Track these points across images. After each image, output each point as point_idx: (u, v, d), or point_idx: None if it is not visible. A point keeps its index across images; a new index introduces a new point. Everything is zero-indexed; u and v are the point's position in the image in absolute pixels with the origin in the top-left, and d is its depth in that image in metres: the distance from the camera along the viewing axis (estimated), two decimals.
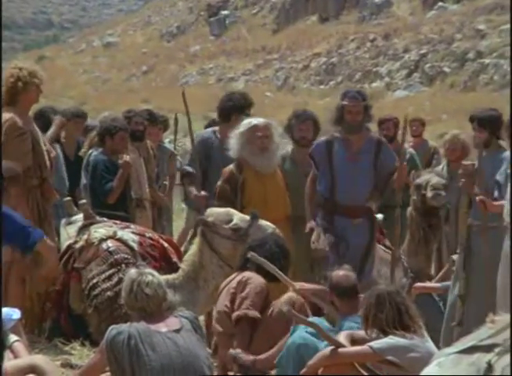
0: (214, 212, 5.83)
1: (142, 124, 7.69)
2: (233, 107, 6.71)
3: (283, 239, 5.52)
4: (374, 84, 27.73)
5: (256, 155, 6.23)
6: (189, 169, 6.70)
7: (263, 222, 5.79)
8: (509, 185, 5.59)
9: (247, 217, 5.76)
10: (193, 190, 6.59)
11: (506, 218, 5.63)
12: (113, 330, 4.15)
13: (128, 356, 4.04)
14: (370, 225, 6.35)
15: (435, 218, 6.48)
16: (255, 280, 5.13)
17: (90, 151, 7.12)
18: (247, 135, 6.23)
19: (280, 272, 5.16)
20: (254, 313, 5.02)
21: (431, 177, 6.78)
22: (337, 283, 5.00)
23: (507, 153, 5.75)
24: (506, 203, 5.66)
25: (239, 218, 5.76)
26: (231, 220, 5.75)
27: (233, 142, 6.25)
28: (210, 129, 6.99)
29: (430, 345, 4.42)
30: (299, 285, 5.21)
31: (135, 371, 4.04)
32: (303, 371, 4.58)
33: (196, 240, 5.88)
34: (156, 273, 4.32)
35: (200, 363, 4.11)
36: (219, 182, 6.24)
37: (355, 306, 4.91)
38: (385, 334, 4.39)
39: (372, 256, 6.32)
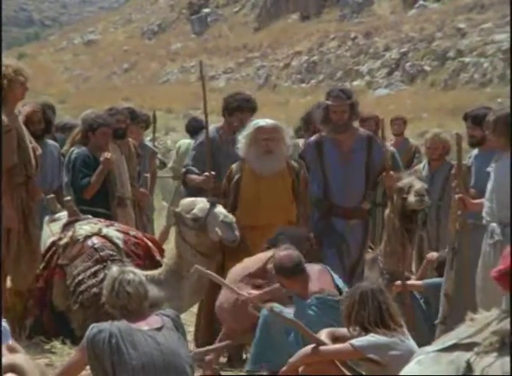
0: (183, 202, 5.93)
1: (124, 122, 7.68)
2: (236, 107, 6.50)
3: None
4: (355, 83, 27.78)
5: (258, 157, 6.03)
6: (195, 170, 6.40)
7: (219, 210, 5.85)
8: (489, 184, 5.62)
9: (207, 206, 5.83)
10: (196, 177, 6.35)
11: (486, 217, 5.67)
12: (94, 328, 4.15)
13: (109, 355, 4.04)
14: (365, 226, 6.29)
15: (413, 223, 6.47)
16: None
17: (72, 149, 7.11)
18: (252, 137, 6.04)
19: (227, 284, 5.15)
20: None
21: (413, 181, 6.73)
22: (281, 264, 5.05)
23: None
24: (485, 201, 5.70)
25: (199, 207, 5.81)
26: (192, 209, 5.83)
27: (241, 142, 6.08)
28: (213, 128, 6.71)
29: (411, 343, 4.45)
30: (247, 293, 5.24)
31: (115, 370, 4.04)
32: (283, 370, 4.59)
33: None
34: (137, 271, 4.31)
35: (181, 362, 4.12)
36: (224, 180, 6.14)
37: (305, 282, 4.99)
38: (366, 331, 4.42)
39: (363, 258, 6.30)
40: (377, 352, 4.34)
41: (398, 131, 9.27)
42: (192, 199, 5.97)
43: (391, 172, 6.22)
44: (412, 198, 6.64)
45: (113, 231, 6.13)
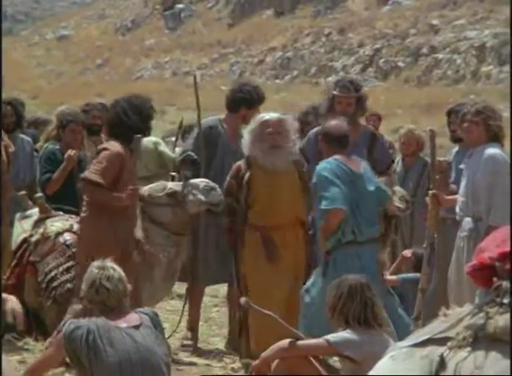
0: (148, 187, 5.95)
1: (100, 118, 7.64)
2: (243, 99, 6.30)
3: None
4: (329, 79, 27.83)
5: (266, 153, 5.75)
6: (194, 156, 6.26)
7: (195, 180, 5.86)
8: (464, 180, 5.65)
9: (180, 182, 5.86)
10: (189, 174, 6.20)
11: (459, 213, 5.70)
12: (71, 324, 4.14)
13: (86, 352, 4.03)
14: None
15: (388, 227, 6.48)
16: None
17: (46, 145, 7.07)
18: (258, 132, 5.77)
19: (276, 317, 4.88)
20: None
21: (393, 187, 6.74)
22: (328, 131, 5.37)
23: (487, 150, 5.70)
24: (459, 197, 5.73)
25: (173, 183, 5.87)
26: (165, 187, 5.80)
27: (245, 138, 5.84)
28: (216, 117, 6.54)
29: (390, 342, 4.45)
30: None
31: (92, 366, 4.03)
32: (255, 363, 4.59)
33: (138, 220, 5.93)
34: (117, 268, 4.30)
35: (157, 360, 4.11)
36: (228, 178, 5.90)
37: (337, 154, 5.36)
38: (348, 325, 4.41)
39: None
40: (352, 349, 4.34)
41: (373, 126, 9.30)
42: (157, 183, 6.03)
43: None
44: (397, 203, 6.64)
45: None
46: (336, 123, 5.57)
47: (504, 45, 24.34)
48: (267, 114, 5.88)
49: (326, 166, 5.44)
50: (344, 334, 4.38)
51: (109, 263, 4.31)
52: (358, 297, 4.40)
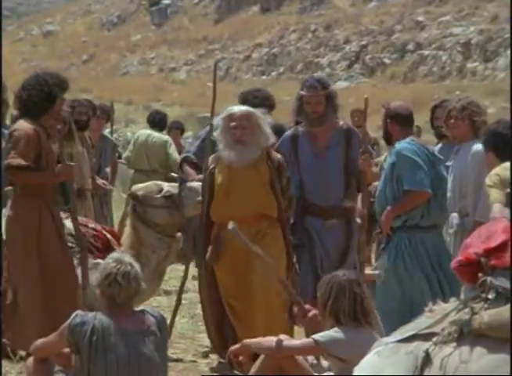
0: (141, 186, 5.90)
1: (86, 114, 7.64)
2: (258, 105, 6.00)
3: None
4: (315, 75, 27.81)
5: (228, 147, 5.54)
6: (193, 159, 6.12)
7: (193, 184, 5.80)
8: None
9: (176, 184, 5.83)
10: (193, 173, 6.05)
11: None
12: (77, 317, 4.13)
13: (87, 349, 4.04)
14: (347, 226, 5.83)
15: (373, 224, 6.49)
16: None
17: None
18: (223, 125, 5.59)
19: (259, 251, 4.97)
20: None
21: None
22: (399, 112, 5.39)
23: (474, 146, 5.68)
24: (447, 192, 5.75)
25: (169, 185, 5.84)
26: (161, 189, 5.79)
27: (217, 130, 5.66)
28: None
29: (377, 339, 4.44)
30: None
31: (90, 365, 4.04)
32: (235, 347, 4.56)
33: (128, 219, 5.88)
34: (135, 264, 4.26)
35: (156, 369, 4.12)
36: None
37: (409, 134, 5.36)
38: (338, 323, 4.38)
39: (349, 262, 5.78)
40: (340, 348, 4.31)
41: (357, 124, 9.31)
42: (152, 182, 5.99)
43: (367, 155, 5.72)
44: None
45: (71, 223, 6.08)
46: (400, 103, 5.58)
47: (489, 42, 24.41)
48: (235, 107, 5.67)
49: (407, 146, 5.32)
50: (333, 334, 4.35)
51: (128, 258, 4.28)
52: (347, 293, 4.38)
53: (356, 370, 3.00)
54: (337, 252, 5.81)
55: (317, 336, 4.37)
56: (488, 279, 2.86)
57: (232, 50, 32.41)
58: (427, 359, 2.80)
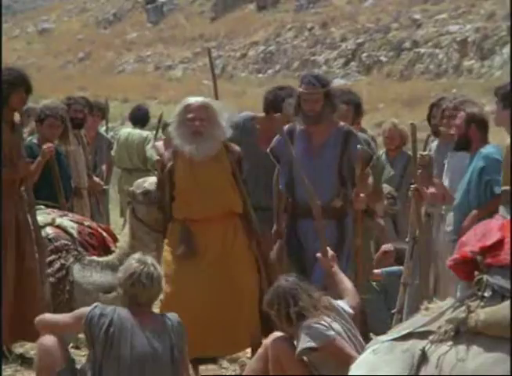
0: (135, 183, 5.99)
1: (82, 112, 7.63)
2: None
3: None
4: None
5: (186, 140, 5.36)
6: None
7: None
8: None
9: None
10: None
11: (443, 206, 5.71)
12: (96, 308, 4.16)
13: (102, 341, 4.06)
14: (339, 226, 5.58)
15: (369, 221, 6.48)
16: None
17: (29, 138, 7.05)
18: (181, 117, 5.40)
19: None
20: None
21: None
22: (484, 118, 5.33)
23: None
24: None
25: (149, 182, 5.83)
26: (144, 186, 5.83)
27: (172, 124, 5.51)
28: (250, 115, 6.18)
29: (336, 325, 4.46)
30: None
31: (104, 358, 4.06)
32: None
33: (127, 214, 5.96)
34: (158, 267, 4.32)
35: (168, 369, 4.13)
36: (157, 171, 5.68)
37: (487, 139, 5.33)
38: (292, 325, 4.42)
39: (340, 263, 5.35)
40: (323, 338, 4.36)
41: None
42: (141, 179, 6.01)
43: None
44: (385, 201, 6.63)
45: (67, 221, 6.11)
46: (477, 106, 5.53)
47: (486, 39, 24.41)
48: (191, 98, 5.47)
49: (495, 150, 5.25)
50: (304, 333, 4.37)
51: (151, 260, 4.32)
52: (302, 293, 4.45)
53: (352, 368, 3.00)
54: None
55: (302, 348, 4.39)
56: (484, 277, 2.86)
57: (229, 48, 32.39)
58: (424, 358, 2.80)
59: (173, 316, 4.30)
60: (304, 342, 4.37)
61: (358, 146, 5.58)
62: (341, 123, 5.73)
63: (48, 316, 4.36)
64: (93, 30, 40.41)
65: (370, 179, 5.75)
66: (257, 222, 5.55)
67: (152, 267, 4.26)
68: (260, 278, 5.45)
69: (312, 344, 4.35)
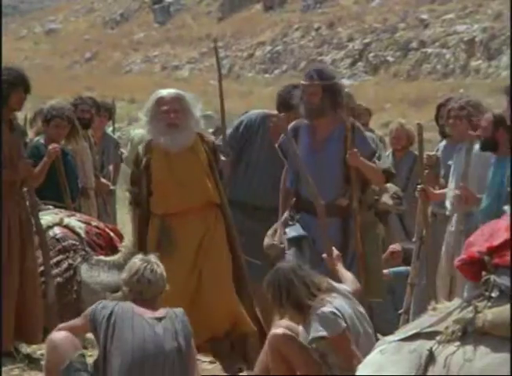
0: None
1: (89, 112, 7.65)
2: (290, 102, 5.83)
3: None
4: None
5: (161, 132, 5.29)
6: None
7: None
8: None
9: None
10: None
11: (449, 207, 5.71)
12: (100, 304, 4.29)
13: (105, 329, 4.14)
14: (343, 226, 5.43)
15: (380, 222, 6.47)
16: None
17: (36, 138, 7.06)
18: (154, 110, 5.33)
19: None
20: None
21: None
22: (503, 118, 5.23)
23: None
24: (448, 191, 5.74)
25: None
26: None
27: (143, 119, 5.39)
28: (262, 113, 6.13)
29: (340, 302, 4.49)
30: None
31: (107, 345, 4.12)
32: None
33: None
34: (161, 265, 4.39)
35: (169, 354, 4.16)
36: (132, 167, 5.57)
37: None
38: (300, 310, 4.43)
39: (345, 263, 5.23)
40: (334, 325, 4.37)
41: (363, 122, 9.30)
42: None
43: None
44: (389, 201, 6.62)
45: (74, 221, 6.12)
46: (503, 110, 5.42)
47: (493, 39, 24.38)
48: (163, 90, 5.43)
49: None
50: (316, 324, 4.38)
51: (154, 258, 4.40)
52: (296, 281, 4.44)
53: (360, 369, 3.00)
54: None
55: (310, 339, 4.40)
56: (492, 277, 2.85)
57: (235, 48, 32.41)
58: (431, 358, 2.80)
59: (178, 310, 4.36)
60: (316, 331, 4.37)
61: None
62: (341, 117, 5.56)
63: (62, 325, 4.43)
64: (100, 30, 40.48)
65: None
66: (231, 215, 5.48)
67: (155, 265, 4.34)
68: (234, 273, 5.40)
69: (324, 333, 4.36)
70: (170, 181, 5.31)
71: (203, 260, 5.32)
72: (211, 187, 5.36)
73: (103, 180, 7.97)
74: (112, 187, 8.37)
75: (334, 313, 4.40)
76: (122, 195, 10.45)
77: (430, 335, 2.85)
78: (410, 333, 2.89)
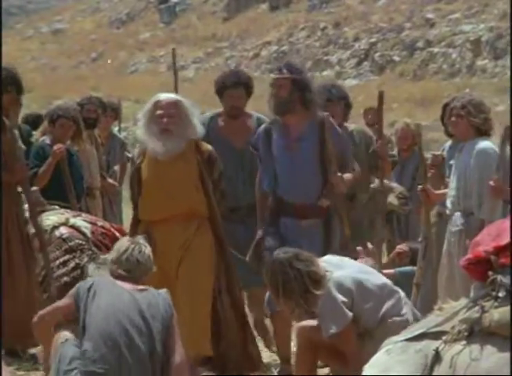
0: None
1: (95, 112, 7.65)
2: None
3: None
4: (325, 73, 27.81)
5: (154, 137, 5.13)
6: None
7: None
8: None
9: None
10: None
11: (449, 207, 5.70)
12: (83, 281, 4.41)
13: (84, 301, 4.15)
14: (325, 228, 5.31)
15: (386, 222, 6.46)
16: None
17: (42, 138, 7.07)
18: (150, 113, 5.19)
19: None
20: None
21: (391, 183, 6.72)
22: None
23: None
24: (449, 191, 5.74)
25: None
26: None
27: (140, 121, 5.27)
28: (210, 114, 6.10)
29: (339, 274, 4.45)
30: None
31: (86, 308, 4.13)
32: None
33: None
34: (148, 246, 4.44)
35: (153, 322, 4.11)
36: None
37: None
38: (298, 305, 4.40)
39: None
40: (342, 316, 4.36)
41: (371, 122, 9.29)
42: None
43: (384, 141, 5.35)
44: (394, 200, 6.62)
45: (80, 221, 6.12)
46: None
47: (499, 39, 24.35)
48: (162, 94, 5.30)
49: None
50: (330, 316, 4.36)
51: (142, 240, 4.47)
52: (292, 274, 4.38)
53: (366, 369, 2.99)
54: (315, 254, 5.06)
55: (325, 334, 4.39)
56: (498, 277, 2.85)
57: (241, 48, 32.41)
58: (437, 358, 2.79)
59: (162, 290, 4.34)
60: (328, 329, 4.36)
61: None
62: (319, 113, 5.45)
63: (48, 308, 4.42)
64: (106, 30, 40.51)
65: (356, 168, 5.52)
66: (222, 226, 5.27)
67: (143, 246, 4.39)
68: (216, 282, 5.18)
69: (334, 330, 4.35)
70: (156, 187, 5.15)
71: (180, 270, 5.12)
72: (198, 198, 5.15)
73: (110, 180, 7.97)
74: (118, 188, 8.38)
75: (335, 304, 4.34)
76: (128, 195, 10.47)
77: (436, 335, 2.84)
78: (416, 333, 2.89)
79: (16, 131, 6.27)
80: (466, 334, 2.79)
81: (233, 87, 5.95)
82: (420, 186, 5.79)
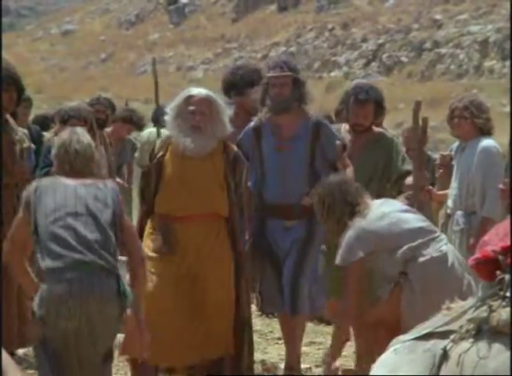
0: None
1: (104, 113, 7.68)
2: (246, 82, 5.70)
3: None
4: (333, 74, 27.83)
5: (183, 133, 4.92)
6: None
7: None
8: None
9: None
10: None
11: (450, 206, 5.72)
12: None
13: (33, 199, 4.09)
14: (309, 226, 5.22)
15: None
16: None
17: (54, 138, 7.13)
18: (180, 108, 4.96)
19: None
20: None
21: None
22: None
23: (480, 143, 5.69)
24: (451, 190, 5.75)
25: None
26: None
27: (169, 115, 5.03)
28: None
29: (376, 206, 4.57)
30: None
31: (35, 210, 4.08)
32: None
33: None
34: (87, 135, 4.34)
35: (103, 216, 4.07)
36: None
37: None
38: (339, 223, 4.52)
39: (310, 256, 5.21)
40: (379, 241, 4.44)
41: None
42: None
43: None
44: (403, 200, 6.62)
45: None
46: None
47: (507, 40, 24.33)
48: (194, 89, 5.04)
49: None
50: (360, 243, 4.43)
51: (80, 130, 4.38)
52: (338, 196, 4.54)
53: (374, 368, 3.01)
54: (298, 250, 5.26)
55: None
56: (506, 276, 2.86)
57: (250, 49, 32.43)
58: (446, 357, 2.81)
59: (108, 180, 4.32)
60: (336, 258, 4.49)
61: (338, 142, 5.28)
62: (314, 114, 5.39)
63: (11, 230, 4.31)
64: (115, 31, 40.59)
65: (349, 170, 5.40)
66: (241, 230, 5.09)
67: (81, 135, 4.28)
68: (235, 288, 4.99)
69: (339, 262, 4.47)
70: (179, 184, 4.97)
71: (200, 269, 4.96)
72: (220, 199, 4.97)
73: (119, 180, 8.01)
74: (127, 186, 8.41)
75: (358, 238, 4.42)
76: (136, 194, 10.51)
77: (444, 334, 2.86)
78: (424, 332, 2.91)
79: (26, 131, 6.30)
80: (473, 333, 2.80)
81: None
82: (419, 186, 5.79)
